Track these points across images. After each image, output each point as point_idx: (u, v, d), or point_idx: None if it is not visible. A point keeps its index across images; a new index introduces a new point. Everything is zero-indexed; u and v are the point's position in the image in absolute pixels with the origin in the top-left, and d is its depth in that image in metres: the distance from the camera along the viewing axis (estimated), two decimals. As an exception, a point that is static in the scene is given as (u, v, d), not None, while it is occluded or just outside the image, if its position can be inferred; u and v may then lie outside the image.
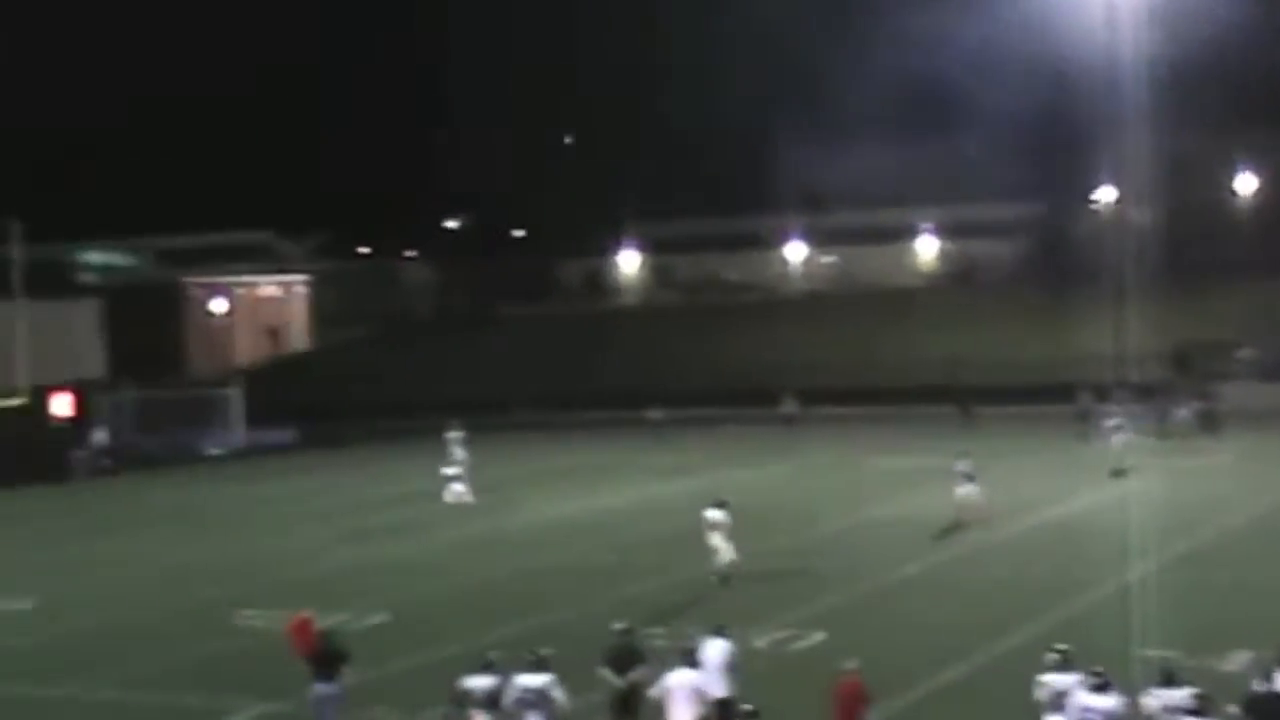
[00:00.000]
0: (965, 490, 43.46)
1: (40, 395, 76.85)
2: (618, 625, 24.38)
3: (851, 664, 21.93)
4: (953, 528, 42.42)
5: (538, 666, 22.06)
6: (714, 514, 37.02)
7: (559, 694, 21.79)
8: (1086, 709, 19.99)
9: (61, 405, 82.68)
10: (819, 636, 30.66)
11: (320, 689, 24.13)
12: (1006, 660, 27.56)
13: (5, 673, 30.43)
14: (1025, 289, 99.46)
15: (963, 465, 44.06)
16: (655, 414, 71.44)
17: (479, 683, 22.13)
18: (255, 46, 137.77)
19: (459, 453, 57.62)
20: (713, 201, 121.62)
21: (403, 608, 35.05)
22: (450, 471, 50.19)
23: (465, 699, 22.21)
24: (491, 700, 21.95)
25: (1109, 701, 19.98)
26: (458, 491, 50.20)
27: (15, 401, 67.63)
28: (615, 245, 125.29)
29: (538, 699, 21.70)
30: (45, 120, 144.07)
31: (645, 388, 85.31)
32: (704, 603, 33.30)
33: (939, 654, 28.41)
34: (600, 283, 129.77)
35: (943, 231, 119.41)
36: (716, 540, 36.65)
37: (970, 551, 39.53)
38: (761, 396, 78.75)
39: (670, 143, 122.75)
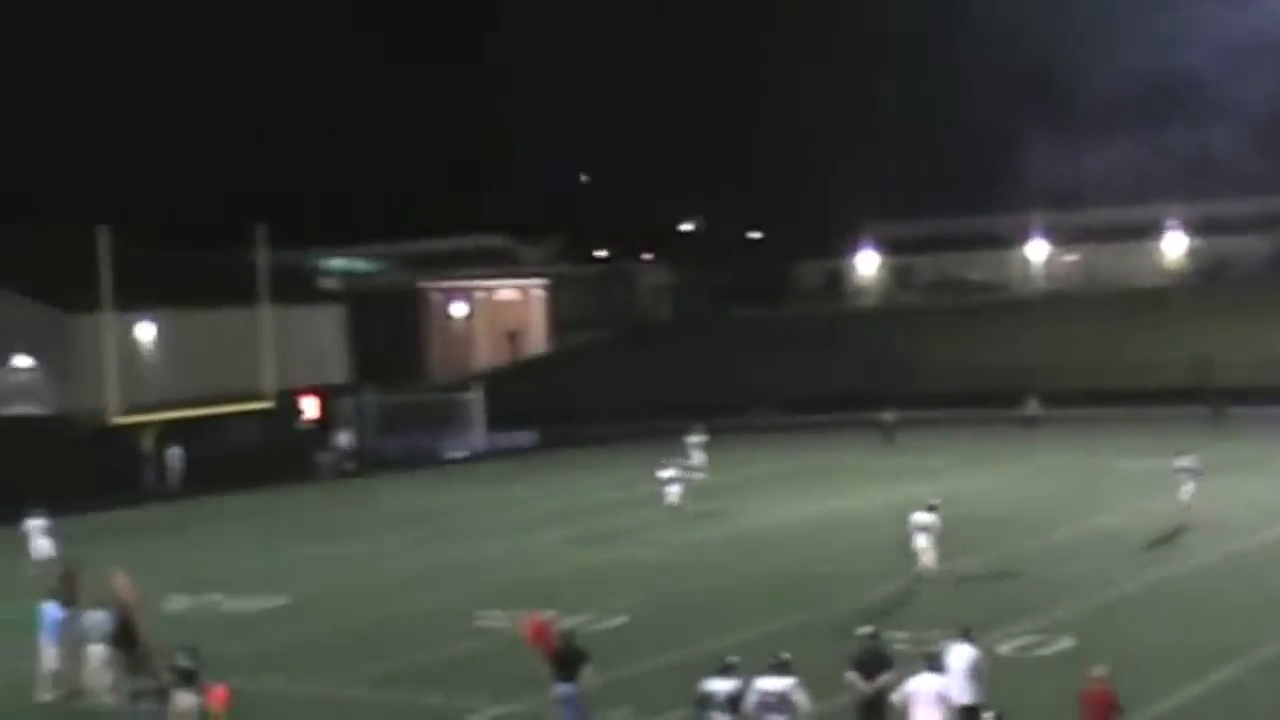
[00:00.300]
0: (1187, 489, 42.60)
1: (286, 399, 78.56)
2: (864, 629, 23.97)
3: (1100, 671, 21.26)
4: (1185, 534, 41.23)
5: (779, 670, 21.74)
6: (922, 517, 36.81)
7: (800, 698, 21.43)
8: None
9: (306, 409, 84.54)
10: (1065, 643, 29.90)
11: (561, 690, 24.13)
12: (1256, 675, 26.60)
13: (261, 668, 30.91)
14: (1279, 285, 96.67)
15: (1185, 462, 43.05)
16: (888, 416, 70.51)
17: (720, 686, 21.87)
18: (501, 55, 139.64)
19: (698, 456, 57.74)
20: (953, 200, 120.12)
21: (642, 610, 34.96)
22: (665, 475, 49.50)
23: (706, 702, 21.97)
24: (732, 703, 21.68)
25: None
26: (673, 493, 49.44)
27: (262, 405, 69.09)
28: (853, 246, 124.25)
29: (779, 703, 21.38)
30: (288, 128, 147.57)
31: (883, 390, 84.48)
32: (945, 607, 32.61)
33: (1185, 666, 27.51)
34: (838, 284, 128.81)
35: (1190, 227, 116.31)
36: (921, 543, 36.50)
37: (1214, 561, 38.25)
38: (1003, 398, 77.40)
39: (910, 141, 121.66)
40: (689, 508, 48.80)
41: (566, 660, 24.38)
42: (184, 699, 26.12)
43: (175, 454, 67.15)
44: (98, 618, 29.03)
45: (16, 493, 63.26)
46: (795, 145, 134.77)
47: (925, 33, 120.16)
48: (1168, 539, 41.02)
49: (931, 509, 37.06)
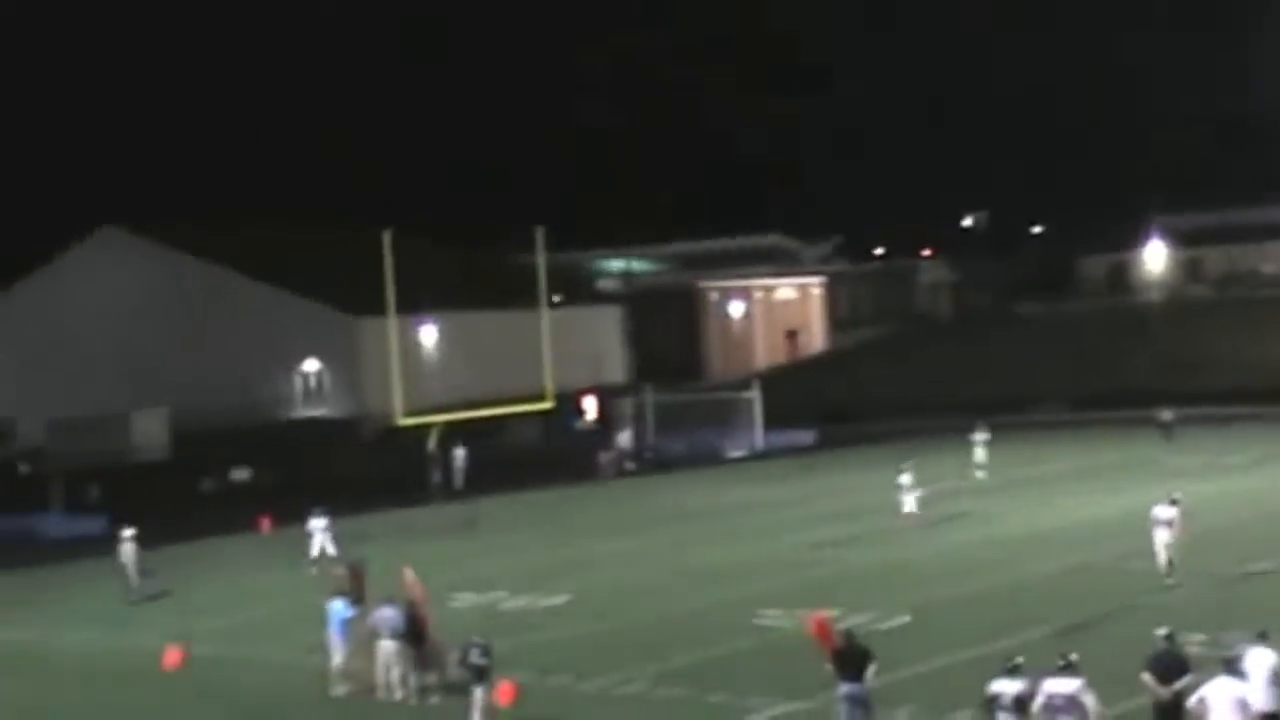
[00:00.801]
0: None
1: (566, 400, 79.35)
2: (1159, 631, 23.16)
3: None
4: None
5: (1067, 670, 21.12)
6: (1163, 512, 35.91)
7: (1090, 700, 20.78)
8: None
9: (587, 409, 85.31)
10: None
11: (846, 689, 23.80)
12: None
13: (546, 665, 31.10)
14: None
15: None
16: (1166, 414, 68.02)
17: (1007, 687, 21.34)
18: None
19: (980, 454, 56.93)
20: (1244, 191, 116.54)
21: (924, 609, 34.41)
22: (904, 480, 48.12)
23: (994, 703, 21.48)
24: (1019, 705, 21.15)
25: None
26: (909, 502, 47.90)
27: (542, 406, 69.83)
28: (1140, 239, 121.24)
29: (1067, 704, 20.77)
30: (568, 131, 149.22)
31: (1171, 386, 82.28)
32: (1243, 608, 31.44)
33: None
34: (1124, 278, 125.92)
35: None
36: (1161, 537, 35.54)
37: None
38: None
39: (1198, 131, 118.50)
40: (913, 513, 47.43)
41: (851, 659, 24.05)
42: (478, 694, 26.47)
43: (459, 455, 68.24)
44: (387, 614, 29.49)
45: (306, 493, 65.12)
46: (1078, 137, 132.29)
47: (1211, 15, 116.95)
48: None
49: (1174, 503, 36.03)
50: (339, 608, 30.70)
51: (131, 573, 42.38)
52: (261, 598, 41.99)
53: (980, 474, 56.49)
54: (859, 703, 23.83)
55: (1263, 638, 22.60)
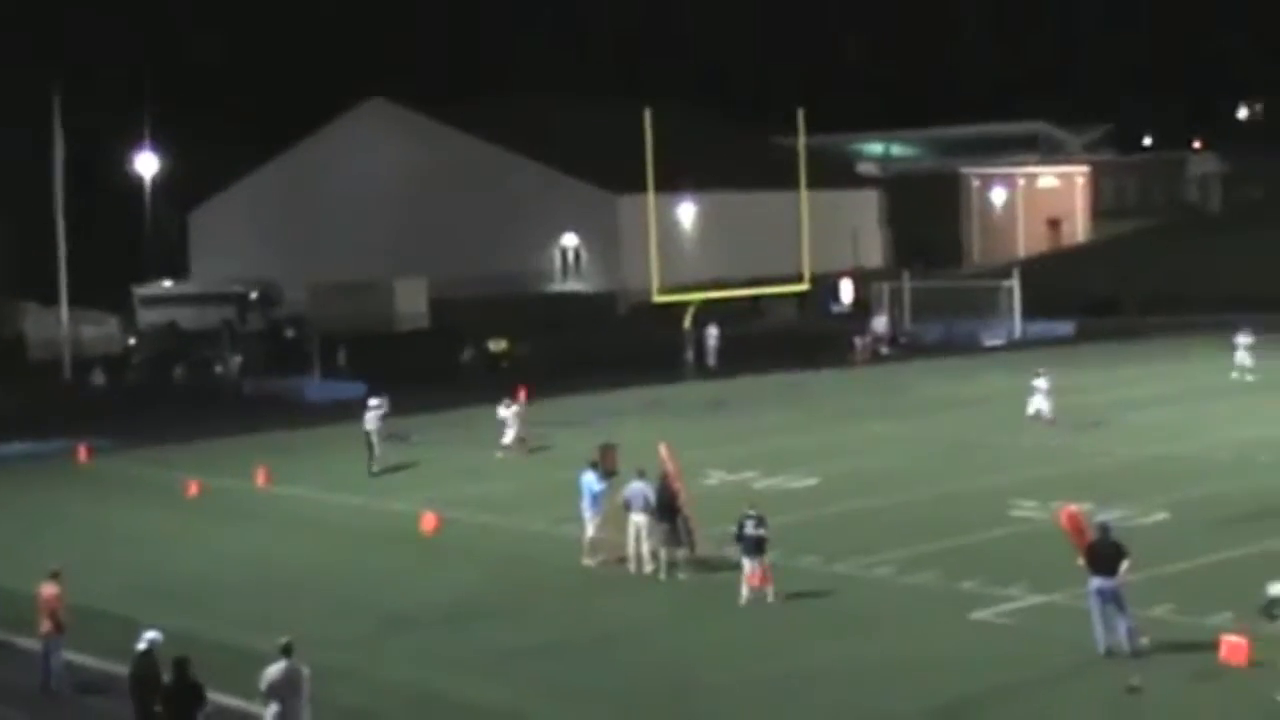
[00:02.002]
0: None
1: (823, 283, 79.01)
2: None
3: None
4: None
5: None
6: None
7: None
8: None
9: (844, 293, 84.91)
10: None
11: (1098, 583, 23.53)
12: None
13: (796, 546, 31.21)
14: None
15: None
16: None
17: None
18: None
19: (1244, 358, 55.14)
20: None
21: (1182, 506, 33.75)
22: (1040, 384, 46.37)
23: (1276, 605, 21.04)
24: None
25: None
26: (1038, 404, 46.06)
27: (799, 288, 69.59)
28: None
29: None
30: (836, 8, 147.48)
31: None
32: None
33: None
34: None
35: None
36: None
37: None
38: None
39: None
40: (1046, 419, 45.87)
41: (1105, 554, 23.73)
42: (748, 565, 26.84)
43: (713, 333, 68.42)
44: (639, 488, 29.80)
45: (562, 365, 65.95)
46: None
47: None
48: None
49: None
50: (590, 480, 31.10)
51: (375, 442, 42.79)
52: (516, 468, 42.71)
53: (1247, 377, 54.80)
54: (1111, 598, 23.54)
55: None
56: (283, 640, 19.13)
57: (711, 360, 67.92)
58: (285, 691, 18.76)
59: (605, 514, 30.82)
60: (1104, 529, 24.47)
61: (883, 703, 22.28)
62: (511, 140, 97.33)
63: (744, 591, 27.32)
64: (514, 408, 45.25)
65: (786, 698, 22.66)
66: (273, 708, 18.80)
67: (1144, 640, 23.67)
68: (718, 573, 29.52)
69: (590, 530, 30.88)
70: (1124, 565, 23.59)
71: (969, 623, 26.01)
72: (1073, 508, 26.26)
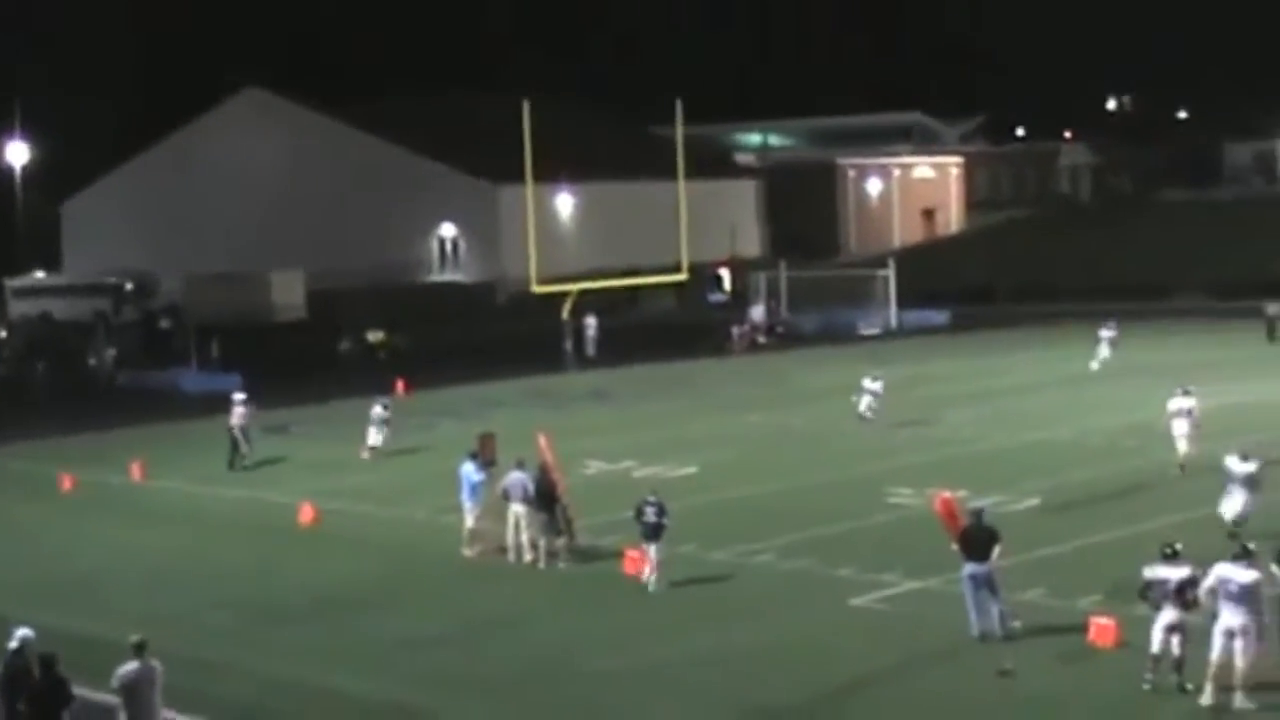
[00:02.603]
0: None
1: (700, 273, 79.36)
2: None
3: None
4: None
5: (1246, 559, 20.97)
6: (1181, 403, 35.96)
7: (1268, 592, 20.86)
8: None
9: (720, 282, 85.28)
10: None
11: (971, 568, 23.88)
12: None
13: (674, 535, 31.23)
14: None
15: None
16: (1272, 308, 64.96)
17: (1169, 572, 21.31)
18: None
19: (1105, 351, 56.12)
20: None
21: (1054, 493, 34.27)
22: (869, 385, 46.00)
23: (1153, 589, 21.46)
24: (1181, 591, 21.11)
25: None
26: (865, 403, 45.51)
27: (676, 278, 69.86)
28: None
29: (1243, 594, 20.67)
30: (708, 4, 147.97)
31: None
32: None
33: None
34: (1272, 165, 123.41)
35: None
36: (1180, 429, 35.60)
37: None
38: None
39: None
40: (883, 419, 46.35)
41: (978, 540, 24.11)
42: (650, 551, 27.33)
43: (591, 324, 68.57)
44: (518, 478, 29.88)
45: (440, 355, 65.81)
46: (1227, 17, 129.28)
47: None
48: None
49: (1187, 393, 36.11)
50: (469, 470, 31.11)
51: (241, 439, 42.17)
52: (397, 459, 42.60)
53: (1096, 365, 55.90)
54: (984, 582, 23.91)
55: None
56: (135, 638, 18.82)
57: (591, 350, 68.07)
58: (138, 690, 18.57)
59: (484, 504, 30.87)
60: (977, 515, 24.85)
61: (763, 689, 22.48)
62: (389, 131, 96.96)
63: (648, 575, 27.53)
64: (383, 413, 43.21)
65: (667, 685, 22.82)
66: (125, 707, 18.63)
67: (1016, 623, 24.08)
68: (597, 562, 29.69)
69: (469, 521, 30.91)
70: (996, 550, 23.97)
71: (847, 609, 26.31)
72: (946, 494, 26.63)
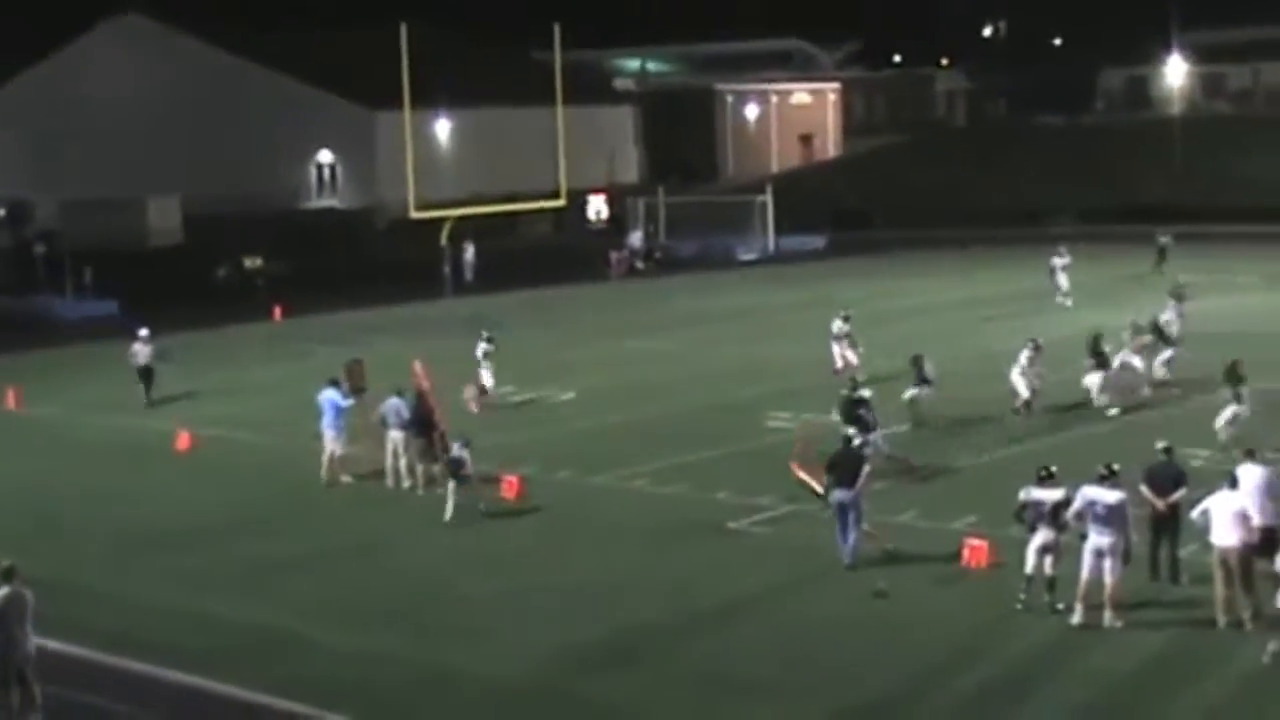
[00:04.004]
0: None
1: (579, 198, 79.21)
2: (1160, 445, 23.50)
3: None
4: None
5: (1110, 480, 21.37)
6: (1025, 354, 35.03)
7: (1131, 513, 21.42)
8: None
9: (599, 208, 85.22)
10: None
11: (840, 495, 24.20)
12: None
13: (553, 459, 31.63)
14: None
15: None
16: (1163, 238, 64.93)
17: (1045, 494, 21.70)
18: None
19: (1063, 282, 53.40)
20: (1270, 5, 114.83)
21: (932, 416, 34.49)
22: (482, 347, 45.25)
23: (1030, 509, 21.84)
24: (1055, 512, 21.51)
25: None
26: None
27: (555, 204, 69.72)
28: (1161, 52, 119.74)
29: (1109, 514, 21.09)
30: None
31: (1188, 202, 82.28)
32: (1247, 428, 31.71)
33: None
34: (1143, 92, 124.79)
35: None
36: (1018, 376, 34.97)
37: None
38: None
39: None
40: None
41: (844, 466, 24.36)
42: (451, 487, 27.44)
43: (470, 250, 68.38)
44: (395, 404, 29.85)
45: (318, 282, 65.36)
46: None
47: None
48: None
49: (1034, 345, 35.29)
50: (331, 396, 30.91)
51: (153, 370, 40.67)
52: (273, 385, 42.37)
53: (1068, 301, 52.82)
54: (852, 507, 24.18)
55: (1249, 455, 22.95)
56: (4, 563, 18.65)
57: (469, 276, 67.87)
58: (6, 616, 18.36)
59: (346, 430, 30.66)
60: (847, 441, 25.12)
61: (640, 612, 22.68)
62: (267, 57, 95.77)
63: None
64: (488, 346, 39.25)
65: (545, 609, 22.96)
66: None
67: (889, 546, 24.48)
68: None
69: (331, 447, 30.72)
70: (863, 474, 24.23)
71: (725, 531, 26.56)
72: (795, 465, 27.26)
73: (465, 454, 27.65)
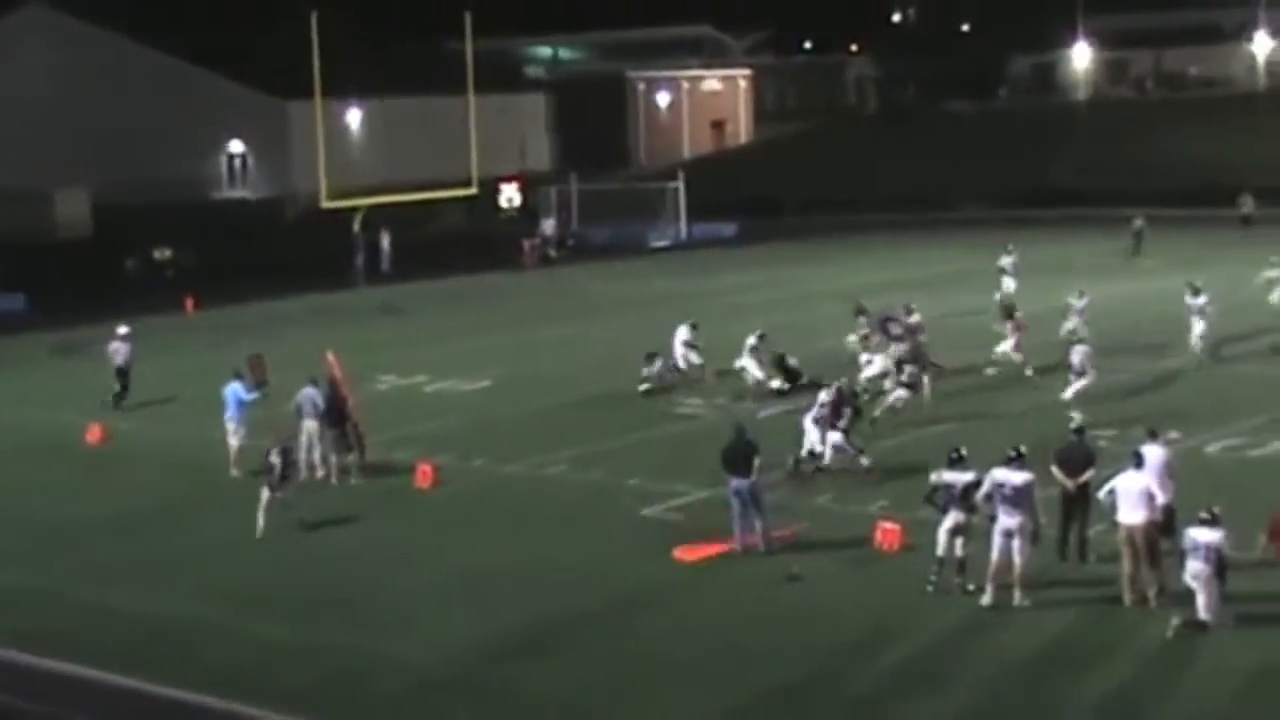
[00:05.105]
0: None
1: (491, 186, 79.07)
2: (1072, 425, 23.97)
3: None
4: None
5: (1018, 462, 21.68)
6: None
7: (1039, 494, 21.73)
8: None
9: (511, 196, 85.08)
10: (1275, 446, 29.59)
11: (736, 483, 24.44)
12: None
13: (467, 448, 31.63)
14: None
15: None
16: (1138, 221, 63.89)
17: (955, 476, 21.98)
18: None
19: (1010, 284, 49.44)
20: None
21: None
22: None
23: (940, 492, 22.11)
24: (966, 494, 21.77)
25: None
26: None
27: (467, 192, 69.62)
28: (1067, 39, 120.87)
29: (1016, 495, 21.39)
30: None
31: (1094, 185, 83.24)
32: (1152, 408, 32.19)
33: None
34: (1050, 78, 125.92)
35: None
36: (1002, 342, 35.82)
37: None
38: (1220, 196, 75.34)
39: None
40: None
41: (739, 455, 24.55)
42: (264, 494, 26.38)
43: (386, 239, 68.25)
44: (309, 394, 29.77)
45: (230, 272, 64.99)
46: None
47: None
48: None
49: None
50: (236, 389, 30.79)
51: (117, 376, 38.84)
52: (184, 378, 42.09)
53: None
54: (748, 497, 24.36)
55: (1151, 435, 23.41)
56: None
57: (386, 266, 67.72)
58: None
59: (249, 423, 30.39)
60: (739, 430, 25.20)
61: (557, 599, 22.77)
62: (176, 46, 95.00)
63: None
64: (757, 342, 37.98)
65: (462, 597, 23.00)
66: None
67: (803, 524, 24.70)
68: (389, 477, 29.76)
69: (234, 441, 30.52)
70: (756, 464, 24.40)
71: (639, 518, 26.69)
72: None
73: (277, 460, 26.47)
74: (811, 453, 28.18)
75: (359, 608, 22.82)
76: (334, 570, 24.55)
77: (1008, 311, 39.44)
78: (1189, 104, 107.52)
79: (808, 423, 28.34)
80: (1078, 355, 34.41)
